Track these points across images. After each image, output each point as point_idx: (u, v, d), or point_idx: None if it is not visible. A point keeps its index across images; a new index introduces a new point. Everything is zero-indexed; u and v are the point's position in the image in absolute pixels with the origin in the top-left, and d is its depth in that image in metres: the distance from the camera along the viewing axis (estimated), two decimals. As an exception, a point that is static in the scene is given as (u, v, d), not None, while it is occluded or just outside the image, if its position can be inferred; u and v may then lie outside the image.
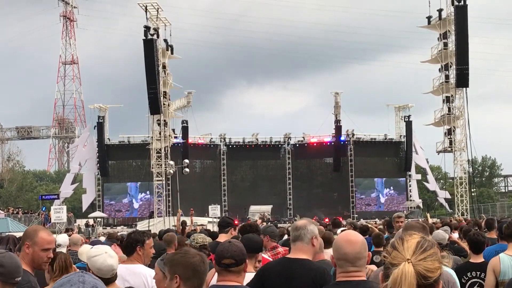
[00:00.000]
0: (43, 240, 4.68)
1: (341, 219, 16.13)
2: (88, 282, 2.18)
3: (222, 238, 7.13)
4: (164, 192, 52.61)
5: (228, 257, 3.99)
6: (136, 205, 61.67)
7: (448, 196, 61.14)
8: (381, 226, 15.74)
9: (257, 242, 5.55)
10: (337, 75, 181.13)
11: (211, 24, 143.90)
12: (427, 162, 67.14)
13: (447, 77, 51.20)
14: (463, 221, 19.46)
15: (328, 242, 6.46)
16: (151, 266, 5.58)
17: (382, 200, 64.25)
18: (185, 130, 59.06)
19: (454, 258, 7.41)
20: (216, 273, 4.17)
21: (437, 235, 7.61)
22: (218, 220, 8.16)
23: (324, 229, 12.63)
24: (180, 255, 3.62)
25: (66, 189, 61.73)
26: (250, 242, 5.32)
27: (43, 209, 49.64)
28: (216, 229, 18.47)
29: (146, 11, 47.93)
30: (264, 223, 25.74)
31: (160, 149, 50.42)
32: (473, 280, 6.85)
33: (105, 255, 4.73)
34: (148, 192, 56.84)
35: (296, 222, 4.88)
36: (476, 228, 12.31)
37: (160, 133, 50.65)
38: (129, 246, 5.65)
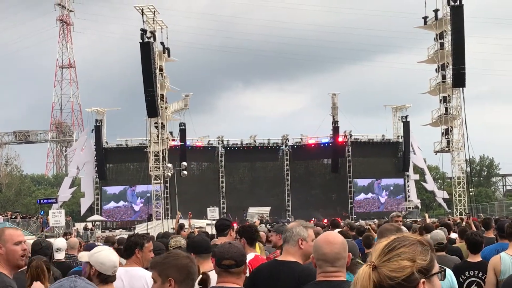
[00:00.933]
0: (12, 235, 4.58)
1: (339, 220, 16.12)
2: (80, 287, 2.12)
3: (221, 241, 7.12)
4: (162, 195, 52.60)
5: (228, 258, 4.01)
6: (134, 208, 61.62)
7: (446, 196, 61.19)
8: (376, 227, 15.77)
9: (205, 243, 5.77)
10: (334, 76, 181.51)
11: (207, 27, 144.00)
12: (425, 162, 67.22)
13: (443, 77, 51.23)
14: (465, 220, 19.40)
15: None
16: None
17: (381, 200, 64.29)
18: (182, 133, 59.05)
19: (452, 258, 7.45)
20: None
21: (436, 235, 7.63)
22: (215, 222, 7.94)
23: (322, 230, 12.66)
24: (172, 258, 3.61)
25: (64, 193, 61.65)
26: (197, 244, 5.53)
27: (41, 213, 49.60)
28: (214, 231, 18.48)
29: (142, 14, 47.95)
30: (263, 225, 25.75)
31: (158, 152, 50.39)
32: (471, 279, 6.88)
33: (109, 251, 4.81)
34: (146, 195, 56.74)
35: (291, 225, 4.87)
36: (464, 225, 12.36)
37: (157, 136, 50.62)
38: (128, 249, 5.68)
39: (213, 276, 4.16)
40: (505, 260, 6.30)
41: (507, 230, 6.67)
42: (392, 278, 2.09)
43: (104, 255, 4.71)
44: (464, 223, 15.06)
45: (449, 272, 5.73)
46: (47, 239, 7.97)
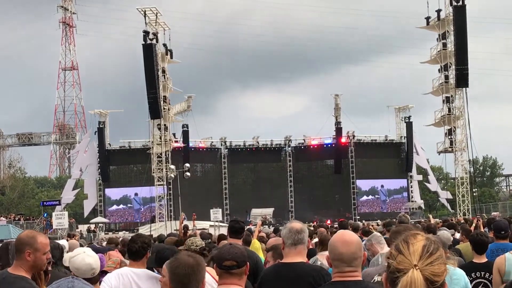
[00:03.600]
0: (44, 245, 4.70)
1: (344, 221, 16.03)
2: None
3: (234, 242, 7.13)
4: (166, 196, 52.58)
5: (230, 259, 3.97)
6: (137, 210, 61.64)
7: (450, 197, 61.10)
8: (379, 227, 15.70)
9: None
10: (337, 77, 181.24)
11: (208, 28, 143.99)
12: (428, 162, 67.15)
13: (446, 77, 51.16)
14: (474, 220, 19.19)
15: (325, 244, 6.45)
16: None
17: (384, 201, 64.19)
18: (185, 134, 59.08)
19: (458, 260, 7.38)
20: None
21: (443, 235, 7.58)
22: (229, 223, 7.92)
23: (326, 230, 12.60)
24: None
25: (68, 195, 61.70)
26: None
27: (45, 215, 49.68)
28: (217, 232, 18.42)
29: (145, 16, 47.97)
30: (266, 226, 25.75)
31: (161, 154, 50.38)
32: (478, 280, 6.80)
33: (84, 255, 4.74)
34: (149, 197, 56.71)
35: (294, 226, 4.80)
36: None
37: (160, 138, 50.61)
38: (140, 251, 5.66)
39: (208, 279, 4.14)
40: (510, 260, 6.24)
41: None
42: (434, 282, 2.05)
43: (79, 261, 4.66)
44: (474, 223, 14.97)
45: (461, 273, 5.68)
46: (56, 241, 7.91)
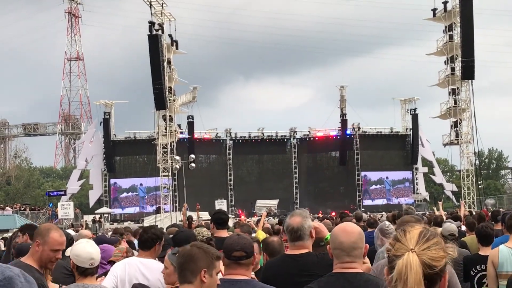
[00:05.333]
0: (54, 241, 4.69)
1: (348, 213, 16.03)
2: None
3: (220, 234, 7.15)
4: (171, 187, 52.70)
5: (239, 250, 3.99)
6: (143, 201, 61.81)
7: (455, 189, 61.03)
8: (383, 219, 15.68)
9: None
10: (342, 68, 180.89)
11: (212, 19, 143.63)
12: (434, 155, 67.05)
13: (452, 69, 51.00)
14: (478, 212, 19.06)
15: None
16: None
17: (389, 193, 64.17)
18: (191, 125, 59.11)
19: (460, 251, 7.37)
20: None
21: (449, 227, 7.57)
22: (214, 215, 7.87)
23: (330, 223, 12.62)
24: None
25: (73, 185, 61.92)
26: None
27: (50, 206, 49.87)
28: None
29: (150, 7, 47.89)
30: (270, 217, 25.74)
31: (166, 145, 50.44)
32: (483, 273, 6.78)
33: (86, 244, 4.76)
34: (154, 188, 56.85)
35: (291, 223, 4.73)
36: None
37: (166, 129, 50.66)
38: (150, 241, 5.70)
39: None
40: (503, 253, 6.24)
41: (507, 222, 6.64)
42: (432, 267, 2.07)
43: (81, 247, 4.67)
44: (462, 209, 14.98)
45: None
46: (66, 231, 7.95)
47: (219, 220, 7.39)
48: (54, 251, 4.69)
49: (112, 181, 61.71)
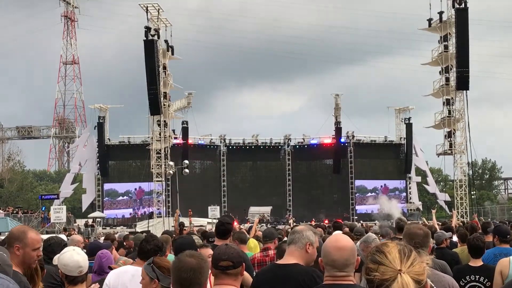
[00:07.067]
0: (33, 240, 4.68)
1: (341, 221, 16.00)
2: None
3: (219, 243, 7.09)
4: (164, 192, 52.60)
5: (226, 259, 3.97)
6: (135, 206, 61.64)
7: (448, 199, 61.10)
8: (374, 227, 15.69)
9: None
10: (337, 76, 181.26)
11: (207, 25, 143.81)
12: (427, 164, 67.15)
13: (447, 79, 51.12)
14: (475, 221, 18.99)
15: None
16: None
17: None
18: (185, 131, 59.06)
19: (437, 261, 7.36)
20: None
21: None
22: (217, 222, 7.69)
23: (323, 231, 12.60)
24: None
25: (66, 189, 61.71)
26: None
27: (43, 209, 49.62)
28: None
29: (147, 12, 47.95)
30: (263, 224, 25.75)
31: (160, 150, 50.39)
32: (472, 283, 6.83)
33: (73, 252, 4.76)
34: (148, 193, 56.73)
35: (296, 227, 4.88)
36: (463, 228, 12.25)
37: (160, 134, 50.63)
38: (151, 252, 5.65)
39: None
40: None
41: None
42: (420, 282, 2.07)
43: (67, 256, 4.68)
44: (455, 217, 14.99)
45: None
46: (59, 236, 7.89)
47: (218, 230, 7.30)
48: (35, 249, 4.69)
49: (105, 185, 61.58)
